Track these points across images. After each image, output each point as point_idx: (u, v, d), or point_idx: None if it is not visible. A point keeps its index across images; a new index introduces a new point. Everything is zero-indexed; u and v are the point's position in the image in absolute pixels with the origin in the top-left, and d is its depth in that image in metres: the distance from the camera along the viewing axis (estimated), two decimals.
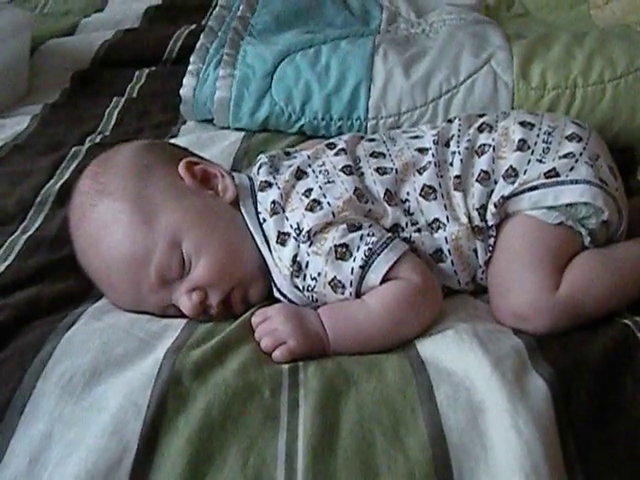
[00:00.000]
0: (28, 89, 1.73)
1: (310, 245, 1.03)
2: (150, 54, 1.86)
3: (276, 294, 1.08)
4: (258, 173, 1.16)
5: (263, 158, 1.19)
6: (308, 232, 1.04)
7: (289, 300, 1.07)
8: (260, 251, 1.08)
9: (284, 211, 1.08)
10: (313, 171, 1.13)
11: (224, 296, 1.07)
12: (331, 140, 1.23)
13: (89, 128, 1.54)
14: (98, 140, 1.48)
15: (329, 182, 1.10)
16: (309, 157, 1.16)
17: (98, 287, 1.10)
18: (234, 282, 1.07)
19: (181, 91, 1.53)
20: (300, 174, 1.13)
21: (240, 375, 0.92)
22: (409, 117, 1.46)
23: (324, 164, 1.14)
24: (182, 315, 1.06)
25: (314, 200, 1.07)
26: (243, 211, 1.11)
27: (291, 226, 1.06)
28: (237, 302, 1.07)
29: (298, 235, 1.05)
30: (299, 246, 1.04)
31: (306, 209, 1.06)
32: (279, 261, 1.06)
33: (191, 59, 1.56)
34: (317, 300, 1.05)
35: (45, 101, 1.68)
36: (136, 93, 1.70)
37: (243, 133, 1.47)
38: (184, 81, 1.53)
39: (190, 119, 1.56)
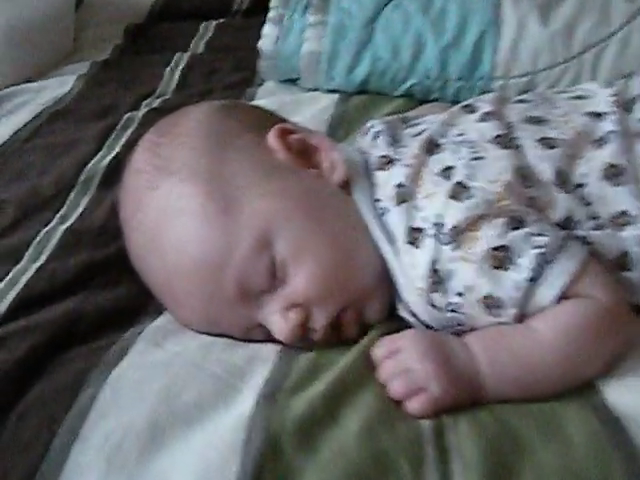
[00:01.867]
0: (74, 46, 1.53)
1: (455, 248, 0.74)
2: (217, 3, 1.62)
3: (401, 313, 0.80)
4: (373, 145, 0.85)
5: (377, 125, 0.89)
6: (453, 229, 0.74)
7: (419, 322, 0.78)
8: (381, 254, 0.78)
9: (415, 198, 0.77)
10: (451, 143, 0.82)
11: (333, 316, 0.77)
12: (467, 102, 0.92)
13: (146, 90, 1.33)
14: (156, 105, 1.27)
15: (477, 158, 0.80)
16: (442, 124, 0.85)
17: (158, 298, 0.82)
18: (347, 298, 0.78)
19: (259, 43, 1.32)
20: (432, 147, 0.83)
21: (365, 441, 0.64)
22: (546, 76, 1.21)
23: (465, 133, 0.84)
24: (271, 338, 0.79)
25: (459, 184, 0.77)
26: (356, 198, 0.81)
27: (426, 219, 0.76)
28: (350, 324, 0.78)
29: (438, 233, 0.75)
30: (440, 248, 0.74)
31: (449, 196, 0.76)
32: (410, 269, 0.76)
33: (271, 3, 1.35)
34: (462, 324, 0.76)
35: (93, 59, 1.51)
36: (202, 48, 1.45)
37: (337, 96, 1.26)
38: (263, 31, 1.32)
39: (269, 79, 1.34)
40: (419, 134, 0.85)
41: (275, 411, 0.66)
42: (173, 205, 0.78)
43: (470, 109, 0.89)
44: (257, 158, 0.81)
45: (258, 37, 1.31)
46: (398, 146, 0.84)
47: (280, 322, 0.76)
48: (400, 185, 0.79)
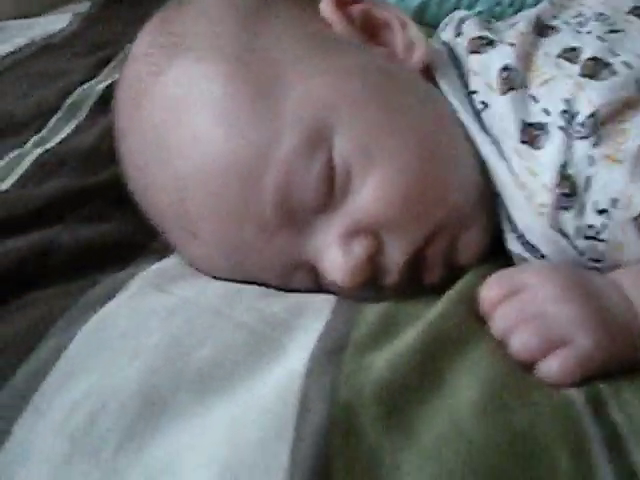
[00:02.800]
0: None
1: (596, 143, 0.51)
2: None
3: (511, 245, 0.56)
4: (458, 32, 0.62)
5: (460, 13, 0.66)
6: (591, 118, 0.51)
7: (537, 258, 0.54)
8: (482, 159, 0.55)
9: (528, 85, 0.55)
10: (568, 23, 0.60)
11: (416, 248, 0.53)
12: None
13: None
14: None
15: (615, 31, 0.58)
16: (551, 4, 0.63)
17: (165, 233, 0.58)
18: (437, 220, 0.54)
19: None
20: (543, 28, 0.61)
21: (490, 418, 0.40)
22: None
23: (585, 14, 0.61)
24: (320, 287, 0.55)
25: (593, 60, 0.54)
26: (443, 87, 0.57)
27: (549, 110, 0.53)
28: (436, 261, 0.55)
29: (569, 124, 0.52)
30: (572, 145, 0.52)
31: (583, 74, 0.53)
32: (527, 178, 0.53)
33: None
34: (600, 259, 0.53)
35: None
36: None
37: None
38: None
39: None
40: (517, 23, 0.62)
41: (343, 373, 0.42)
42: (186, 91, 0.54)
43: None
44: (307, 30, 0.57)
45: None
46: (494, 31, 0.61)
47: (338, 256, 0.52)
48: (507, 68, 0.56)
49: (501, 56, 0.57)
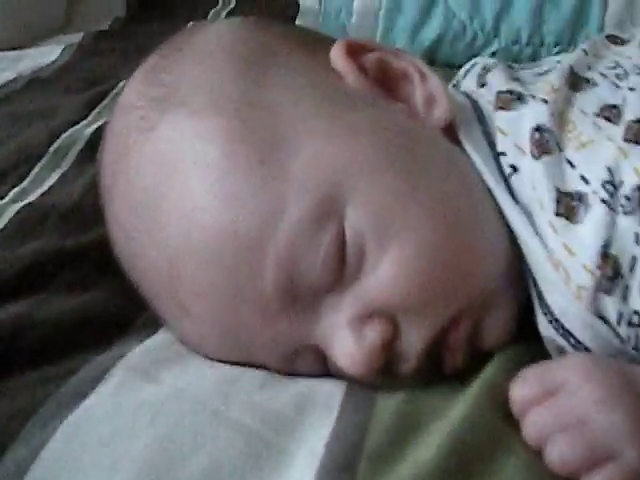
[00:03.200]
0: (67, 17, 1.29)
1: None
2: None
3: (543, 330, 0.49)
4: (482, 83, 0.57)
5: (483, 60, 0.61)
6: (638, 189, 0.46)
7: (573, 345, 0.48)
8: (513, 233, 0.49)
9: (564, 148, 0.50)
10: (604, 76, 0.54)
11: (438, 332, 0.47)
12: (607, 33, 0.64)
13: None
14: None
15: None
16: (584, 54, 0.57)
17: (154, 306, 0.52)
18: (462, 301, 0.48)
19: None
20: (577, 80, 0.55)
21: None
22: None
23: (622, 65, 0.55)
24: (326, 371, 0.49)
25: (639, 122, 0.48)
26: (467, 146, 0.52)
27: (585, 179, 0.48)
28: (461, 345, 0.48)
29: (612, 196, 0.47)
30: (616, 221, 0.46)
31: (626, 139, 0.48)
32: (564, 255, 0.47)
33: None
34: None
35: (89, 30, 1.13)
36: (226, 13, 1.15)
37: None
38: None
39: None
40: (545, 73, 0.57)
41: None
42: (179, 151, 0.48)
43: (617, 39, 0.62)
44: (314, 82, 0.52)
45: (293, 4, 1.04)
46: (522, 83, 0.56)
47: (349, 343, 0.46)
48: (540, 129, 0.50)
49: (534, 114, 0.51)
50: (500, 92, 0.54)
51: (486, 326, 0.49)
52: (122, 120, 0.53)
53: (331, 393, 0.46)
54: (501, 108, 0.53)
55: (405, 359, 0.47)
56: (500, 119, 0.53)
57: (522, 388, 0.43)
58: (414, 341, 0.47)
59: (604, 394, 0.41)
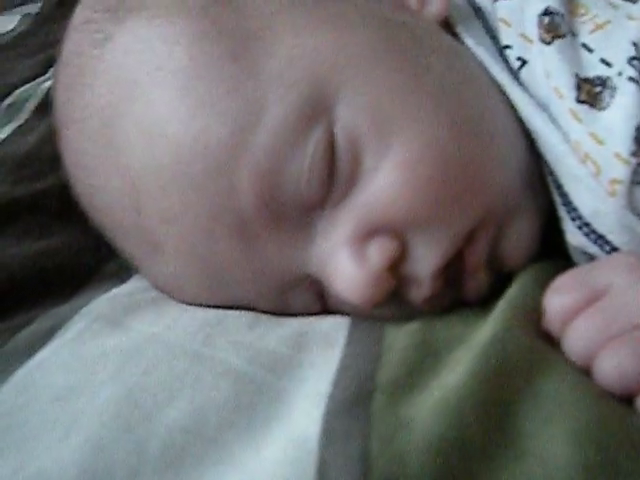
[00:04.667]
0: None
1: None
2: None
3: (572, 239, 0.42)
4: None
5: None
6: None
7: (608, 252, 0.41)
8: (527, 131, 0.43)
9: (577, 32, 0.43)
10: None
11: (454, 250, 0.40)
12: None
13: None
14: None
15: None
16: None
17: (122, 249, 0.45)
18: (478, 211, 0.41)
19: None
20: None
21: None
22: None
23: None
24: (326, 310, 0.42)
25: None
26: (469, 42, 0.45)
27: (606, 62, 0.42)
28: (481, 263, 0.41)
29: None
30: None
31: None
32: (592, 146, 0.40)
33: None
34: None
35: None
36: None
37: None
38: None
39: None
40: None
41: (375, 434, 0.29)
42: (140, 60, 0.41)
43: None
44: None
45: None
46: None
47: (348, 265, 0.39)
48: (548, 12, 0.43)
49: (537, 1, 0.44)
50: None
51: (508, 241, 0.42)
52: (75, 38, 0.46)
53: (333, 328, 0.39)
54: None
55: (417, 284, 0.40)
56: (502, 9, 0.46)
57: (560, 296, 0.36)
58: (426, 261, 0.40)
59: None
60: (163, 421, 0.31)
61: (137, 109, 0.40)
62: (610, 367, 0.33)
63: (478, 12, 0.47)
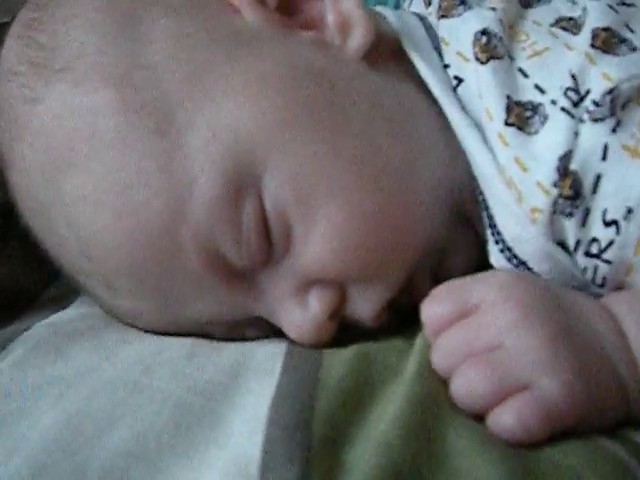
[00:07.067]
0: None
1: (614, 129, 0.40)
2: None
3: (495, 261, 0.44)
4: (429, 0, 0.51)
5: None
6: (610, 94, 0.40)
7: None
8: (468, 155, 0.44)
9: (514, 56, 0.44)
10: None
11: (390, 296, 0.43)
12: None
13: None
14: None
15: (628, 4, 0.47)
16: None
17: (74, 279, 0.45)
18: (412, 261, 0.44)
19: None
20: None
21: None
22: None
23: None
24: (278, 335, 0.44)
25: (607, 31, 0.43)
26: (417, 62, 0.46)
27: (540, 88, 0.42)
28: (424, 291, 0.40)
29: (574, 105, 0.41)
30: (579, 131, 0.40)
31: (593, 45, 0.43)
32: (516, 172, 0.41)
33: None
34: (602, 283, 0.41)
35: None
36: None
37: None
38: None
39: None
40: None
41: (316, 468, 0.30)
42: (71, 127, 0.42)
43: None
44: (205, 25, 0.44)
45: None
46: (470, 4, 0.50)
47: (295, 312, 0.42)
48: (487, 33, 0.44)
49: (479, 19, 0.45)
50: (443, 0, 0.48)
51: (447, 270, 0.44)
52: (5, 87, 0.45)
53: (270, 355, 0.40)
54: (443, 17, 0.47)
55: (360, 321, 0.43)
56: (443, 28, 0.47)
57: (435, 305, 0.37)
58: (366, 306, 0.42)
59: (521, 315, 0.36)
60: (104, 446, 0.32)
61: (76, 175, 0.41)
62: (460, 385, 0.35)
63: (429, 30, 0.48)
